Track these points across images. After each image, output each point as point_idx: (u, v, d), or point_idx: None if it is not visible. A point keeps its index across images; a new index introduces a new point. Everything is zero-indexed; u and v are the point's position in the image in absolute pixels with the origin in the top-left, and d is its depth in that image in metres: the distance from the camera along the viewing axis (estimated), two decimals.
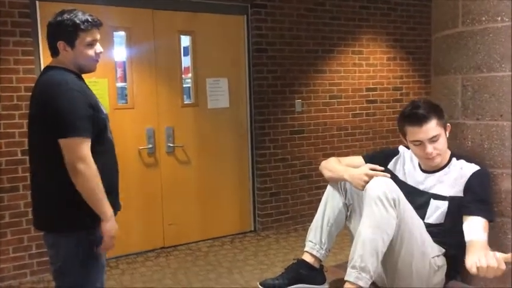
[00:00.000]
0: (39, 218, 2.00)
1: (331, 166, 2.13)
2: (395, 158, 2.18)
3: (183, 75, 4.46)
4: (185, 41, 4.46)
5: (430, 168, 2.05)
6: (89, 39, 1.94)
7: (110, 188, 1.95)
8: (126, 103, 4.20)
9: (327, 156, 4.86)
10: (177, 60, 4.38)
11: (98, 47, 2.00)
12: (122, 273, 3.83)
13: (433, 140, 1.91)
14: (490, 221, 1.87)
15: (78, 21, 1.90)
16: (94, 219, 1.90)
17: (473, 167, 1.96)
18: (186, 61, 4.51)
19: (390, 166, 2.17)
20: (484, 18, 2.06)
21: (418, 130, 1.91)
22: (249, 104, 4.73)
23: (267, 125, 4.72)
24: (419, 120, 1.90)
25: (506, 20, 2.00)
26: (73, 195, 1.84)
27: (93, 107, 1.90)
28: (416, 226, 1.89)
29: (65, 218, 1.91)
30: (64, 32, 1.90)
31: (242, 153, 4.75)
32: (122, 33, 4.14)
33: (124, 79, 4.23)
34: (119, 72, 4.26)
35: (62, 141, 1.82)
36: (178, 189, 4.40)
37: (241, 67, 4.67)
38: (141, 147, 4.21)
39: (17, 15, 3.59)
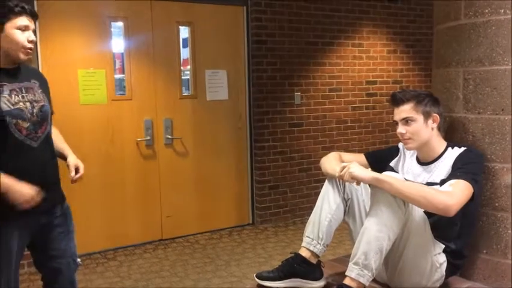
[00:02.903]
0: None
1: (328, 162, 2.12)
2: (397, 156, 2.20)
3: (182, 67, 4.43)
4: (184, 32, 4.42)
5: (424, 160, 2.05)
6: (20, 23, 1.88)
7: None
8: (124, 94, 4.16)
9: (326, 149, 4.88)
10: (175, 51, 4.34)
11: (31, 35, 1.92)
12: (120, 265, 3.82)
13: (406, 122, 1.98)
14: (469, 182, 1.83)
15: (10, 5, 1.87)
16: None
17: (462, 149, 1.98)
18: (185, 53, 4.48)
19: (392, 164, 2.19)
20: (486, 11, 2.03)
21: (395, 111, 2.02)
22: (248, 96, 4.70)
23: (265, 118, 4.69)
24: (396, 101, 2.01)
25: (509, 12, 1.97)
26: None
27: None
28: (422, 225, 1.87)
29: None
30: None
31: (241, 146, 4.73)
32: (120, 23, 4.09)
33: (123, 71, 4.20)
34: (118, 64, 4.23)
35: None
36: (176, 182, 4.38)
37: (240, 59, 4.64)
38: (139, 139, 4.19)
39: None
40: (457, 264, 2.01)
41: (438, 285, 1.96)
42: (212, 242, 4.33)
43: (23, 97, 1.93)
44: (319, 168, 2.25)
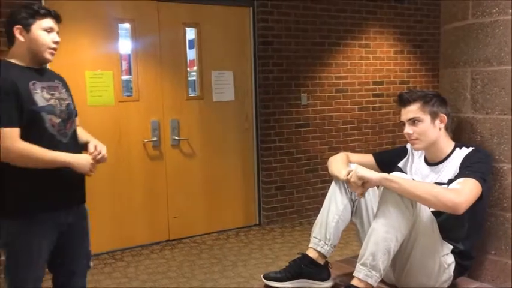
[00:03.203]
0: None
1: (335, 163, 2.12)
2: (405, 157, 2.20)
3: (188, 68, 4.44)
4: (190, 34, 4.43)
5: (432, 160, 2.05)
6: (45, 25, 1.97)
7: (44, 187, 1.92)
8: (131, 95, 4.18)
9: (332, 150, 4.87)
10: (182, 53, 4.36)
11: (55, 36, 2.01)
12: (127, 265, 3.84)
13: (413, 122, 1.98)
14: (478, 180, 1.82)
15: (36, 8, 1.97)
16: (18, 208, 1.89)
17: (470, 149, 1.97)
18: (192, 54, 4.49)
19: (401, 165, 2.19)
20: (494, 11, 2.02)
21: (402, 111, 2.02)
22: (254, 97, 4.70)
23: (272, 118, 4.69)
24: (403, 102, 2.01)
25: None
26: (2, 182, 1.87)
27: (21, 98, 1.87)
28: (430, 225, 1.87)
29: None
30: (21, 17, 1.94)
31: (247, 147, 4.73)
32: (127, 25, 4.12)
33: (129, 72, 4.22)
34: (124, 65, 4.26)
35: None
36: (183, 182, 4.40)
37: (246, 60, 4.64)
38: (146, 140, 4.20)
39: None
40: (465, 265, 2.00)
41: (446, 286, 1.95)
42: (219, 243, 4.34)
43: (52, 94, 2.01)
44: (326, 169, 2.25)
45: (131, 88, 4.21)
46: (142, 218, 4.24)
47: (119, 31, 4.09)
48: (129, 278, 3.59)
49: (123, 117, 4.08)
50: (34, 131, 1.91)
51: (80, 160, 1.98)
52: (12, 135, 1.83)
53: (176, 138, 4.33)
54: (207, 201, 4.53)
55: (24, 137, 1.87)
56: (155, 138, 4.24)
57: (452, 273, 1.94)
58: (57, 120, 1.99)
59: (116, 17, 4.03)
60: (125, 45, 4.17)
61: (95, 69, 3.95)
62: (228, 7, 4.49)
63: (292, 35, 4.71)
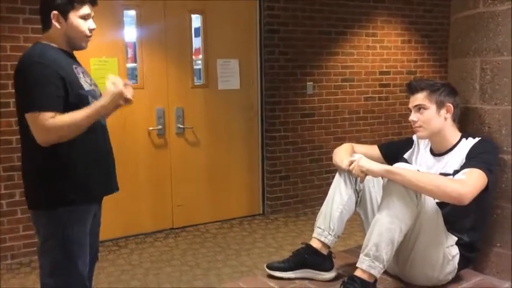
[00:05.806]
0: (25, 196, 1.93)
1: (339, 153, 2.11)
2: (411, 148, 2.18)
3: (193, 56, 4.41)
4: (196, 22, 4.39)
5: (438, 150, 2.03)
6: (83, 12, 1.90)
7: (90, 173, 1.89)
8: (136, 83, 4.16)
9: (337, 140, 4.84)
10: (187, 41, 4.33)
11: (92, 23, 1.96)
12: (131, 252, 3.86)
13: (418, 109, 1.98)
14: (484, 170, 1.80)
15: None
16: (72, 198, 1.84)
17: (476, 139, 1.95)
18: (197, 42, 4.45)
19: (406, 155, 2.17)
20: None
21: (410, 99, 2.03)
22: (259, 85, 4.67)
23: (277, 108, 4.66)
24: (411, 89, 2.03)
25: None
26: (46, 172, 1.81)
27: (69, 83, 1.81)
28: (435, 217, 1.85)
29: (40, 195, 1.85)
30: (59, 3, 1.85)
31: (252, 136, 4.71)
32: (132, 12, 4.08)
33: (134, 59, 4.20)
34: (129, 53, 4.23)
35: (27, 116, 1.77)
36: (187, 171, 4.39)
37: (252, 48, 4.60)
38: (150, 128, 4.19)
39: None
40: (470, 257, 1.99)
41: (450, 277, 1.94)
42: (223, 232, 4.34)
43: (90, 79, 1.99)
44: (331, 159, 2.23)
45: (136, 76, 4.19)
46: (147, 206, 4.25)
47: (124, 18, 4.06)
48: (133, 266, 3.61)
49: (127, 105, 4.06)
50: None
51: (109, 95, 1.83)
52: (49, 116, 1.73)
53: (181, 126, 4.32)
54: (211, 190, 4.53)
55: None
56: (160, 127, 4.23)
57: (456, 265, 1.92)
58: None
59: (122, 3, 4.00)
60: (130, 32, 4.14)
61: (99, 57, 3.92)
62: None
63: (299, 24, 4.66)
